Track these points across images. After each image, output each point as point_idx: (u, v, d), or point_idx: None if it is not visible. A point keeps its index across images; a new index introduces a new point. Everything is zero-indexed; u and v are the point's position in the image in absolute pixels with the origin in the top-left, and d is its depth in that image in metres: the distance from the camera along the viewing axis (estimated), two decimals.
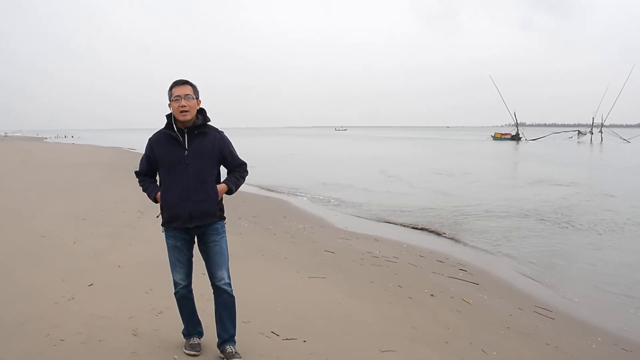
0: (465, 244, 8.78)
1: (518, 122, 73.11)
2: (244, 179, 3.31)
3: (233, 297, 3.18)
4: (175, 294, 3.25)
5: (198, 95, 3.10)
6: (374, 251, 7.45)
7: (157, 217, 3.20)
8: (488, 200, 13.86)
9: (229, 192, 3.18)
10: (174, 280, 3.22)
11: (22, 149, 30.76)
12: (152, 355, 3.20)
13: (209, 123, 3.14)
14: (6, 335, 3.38)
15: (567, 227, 10.35)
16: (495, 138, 70.65)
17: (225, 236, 3.20)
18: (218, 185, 3.13)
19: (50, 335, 3.39)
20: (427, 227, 10.00)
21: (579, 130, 75.50)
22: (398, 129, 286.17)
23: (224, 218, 3.21)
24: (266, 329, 3.78)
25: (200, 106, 3.12)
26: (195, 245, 3.22)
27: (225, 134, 3.20)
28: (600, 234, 9.78)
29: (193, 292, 3.29)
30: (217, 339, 3.21)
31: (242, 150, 3.72)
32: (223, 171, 3.27)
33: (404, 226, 10.25)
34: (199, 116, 3.10)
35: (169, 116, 3.10)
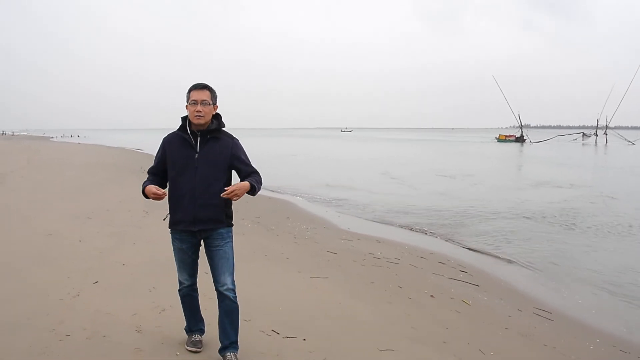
0: (466, 246, 8.81)
1: (523, 123, 73.01)
2: (260, 187, 3.19)
3: (236, 304, 3.16)
4: (179, 291, 3.33)
5: (215, 100, 3.12)
6: (376, 252, 7.51)
7: (164, 219, 3.23)
8: (490, 202, 13.89)
9: (252, 190, 3.05)
10: (178, 278, 3.30)
11: (28, 148, 30.99)
12: (154, 351, 3.28)
13: (223, 129, 3.16)
14: (14, 330, 3.48)
15: (568, 229, 10.36)
16: (499, 140, 70.51)
17: (231, 242, 3.20)
18: (239, 183, 3.03)
19: (56, 331, 3.48)
20: (427, 230, 10.05)
21: (583, 132, 75.27)
22: (403, 130, 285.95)
23: (232, 225, 3.21)
24: (267, 327, 3.85)
25: (217, 111, 3.13)
26: (202, 248, 3.24)
27: (238, 140, 3.21)
28: (602, 236, 9.78)
29: (198, 291, 3.36)
30: (220, 343, 3.22)
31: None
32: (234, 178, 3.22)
33: (405, 228, 10.30)
34: (214, 121, 3.12)
35: (184, 118, 3.13)
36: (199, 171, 3.04)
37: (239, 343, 3.22)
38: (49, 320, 3.67)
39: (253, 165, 3.22)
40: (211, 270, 3.20)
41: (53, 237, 6.51)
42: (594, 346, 4.69)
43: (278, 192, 15.13)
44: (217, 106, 3.13)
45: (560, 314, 5.59)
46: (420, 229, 10.11)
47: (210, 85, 3.12)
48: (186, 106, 3.10)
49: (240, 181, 3.15)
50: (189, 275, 3.27)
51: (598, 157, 40.45)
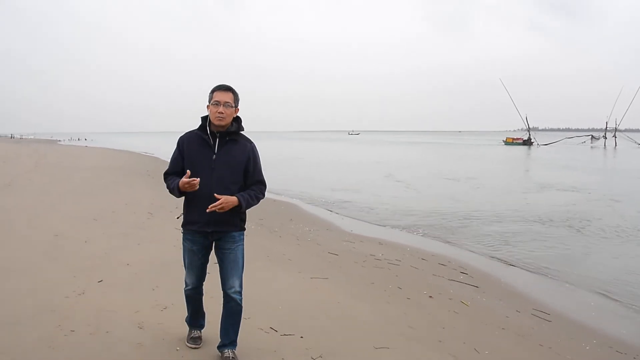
0: (467, 248, 8.87)
1: (531, 126, 72.67)
2: (258, 200, 3.19)
3: (241, 306, 3.20)
4: (185, 290, 3.36)
5: (238, 103, 3.12)
6: (377, 254, 7.58)
7: (178, 217, 3.23)
8: (494, 204, 13.92)
9: (239, 207, 3.05)
10: (185, 279, 3.30)
11: (36, 152, 31.35)
12: (155, 346, 3.39)
13: (242, 132, 3.17)
14: (21, 325, 3.60)
15: (572, 232, 10.37)
16: (506, 143, 70.25)
17: (242, 245, 3.22)
18: (228, 197, 3.00)
19: (61, 326, 3.59)
20: (429, 232, 10.11)
21: (592, 135, 74.84)
22: (410, 133, 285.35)
23: (244, 229, 3.23)
24: (265, 325, 3.94)
25: (237, 114, 3.14)
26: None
27: (255, 145, 3.21)
28: (604, 239, 9.80)
29: (203, 293, 3.39)
30: (219, 340, 3.29)
31: None
32: None
33: (408, 230, 10.36)
34: (234, 123, 3.11)
35: (204, 118, 3.12)
36: (216, 172, 3.04)
37: (237, 340, 3.29)
38: (54, 316, 3.78)
39: (263, 174, 3.23)
40: (220, 272, 3.21)
41: (59, 237, 6.65)
42: (590, 347, 4.74)
43: (282, 195, 15.24)
44: (238, 109, 3.14)
45: (559, 315, 5.63)
46: (422, 231, 10.18)
47: (233, 87, 3.11)
48: (207, 106, 3.09)
49: (245, 186, 3.17)
50: (197, 279, 3.27)
51: (606, 160, 40.23)
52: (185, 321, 3.53)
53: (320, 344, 3.70)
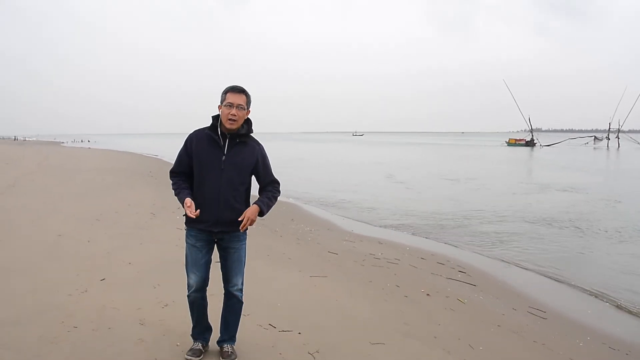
0: (466, 247, 8.94)
1: (534, 127, 72.54)
2: (276, 199, 3.25)
3: (242, 303, 3.25)
4: (187, 296, 3.20)
5: (249, 105, 3.12)
6: (376, 253, 7.66)
7: (184, 215, 3.18)
8: (494, 205, 13.97)
9: (261, 214, 3.11)
10: (188, 282, 3.17)
11: (39, 153, 31.51)
12: (156, 342, 3.47)
13: (251, 134, 3.18)
14: (26, 322, 3.70)
15: (571, 232, 10.45)
16: (509, 144, 70.16)
17: (245, 244, 3.24)
18: (250, 209, 3.07)
19: (64, 323, 3.69)
20: (429, 232, 10.19)
21: (595, 136, 74.67)
22: (413, 134, 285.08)
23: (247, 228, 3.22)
24: (264, 321, 4.02)
25: (248, 116, 3.14)
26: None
27: (263, 147, 3.24)
28: (602, 239, 9.88)
29: (207, 299, 3.25)
30: (218, 336, 3.34)
31: None
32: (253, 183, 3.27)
33: (408, 230, 10.43)
34: (244, 126, 3.12)
35: (215, 117, 3.11)
36: (225, 173, 3.05)
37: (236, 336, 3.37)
38: (58, 313, 3.88)
39: (273, 173, 3.28)
40: (223, 270, 3.23)
41: (63, 237, 6.74)
42: (583, 343, 4.81)
43: (284, 195, 15.32)
44: (249, 111, 3.13)
45: (555, 313, 5.71)
46: (422, 231, 10.25)
47: (246, 89, 3.11)
48: (219, 107, 3.09)
49: (259, 188, 3.26)
50: (200, 279, 3.14)
51: (608, 161, 40.19)
52: (191, 336, 3.35)
53: (317, 339, 3.79)
